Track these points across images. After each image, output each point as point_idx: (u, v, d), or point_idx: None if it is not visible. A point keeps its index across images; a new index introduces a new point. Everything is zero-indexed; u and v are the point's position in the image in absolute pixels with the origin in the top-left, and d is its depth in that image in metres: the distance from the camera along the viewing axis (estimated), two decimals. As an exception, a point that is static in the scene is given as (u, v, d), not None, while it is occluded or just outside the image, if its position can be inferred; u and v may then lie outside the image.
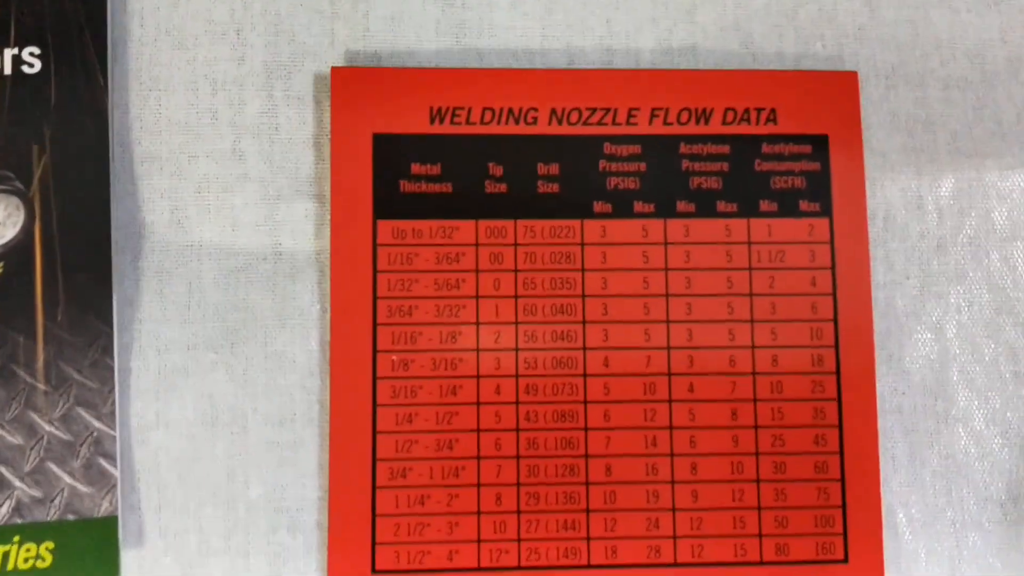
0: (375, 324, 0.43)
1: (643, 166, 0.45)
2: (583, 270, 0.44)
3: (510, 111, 0.45)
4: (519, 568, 0.43)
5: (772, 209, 0.45)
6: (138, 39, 0.45)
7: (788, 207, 0.45)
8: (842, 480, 0.44)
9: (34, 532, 0.41)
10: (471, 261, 0.44)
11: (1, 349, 0.41)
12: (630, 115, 0.45)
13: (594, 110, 0.45)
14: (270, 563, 0.43)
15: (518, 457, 0.43)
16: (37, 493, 0.41)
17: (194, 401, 0.43)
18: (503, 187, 0.44)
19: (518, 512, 0.43)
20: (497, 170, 0.44)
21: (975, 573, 0.45)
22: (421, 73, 0.45)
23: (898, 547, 0.44)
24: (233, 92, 0.45)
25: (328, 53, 0.45)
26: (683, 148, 0.45)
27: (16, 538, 0.41)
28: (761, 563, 0.43)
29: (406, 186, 0.44)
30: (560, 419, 0.43)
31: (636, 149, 0.45)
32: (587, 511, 0.43)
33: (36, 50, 0.43)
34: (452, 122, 0.44)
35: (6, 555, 0.41)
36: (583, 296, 0.44)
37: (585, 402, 0.43)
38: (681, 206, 0.45)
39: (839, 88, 0.46)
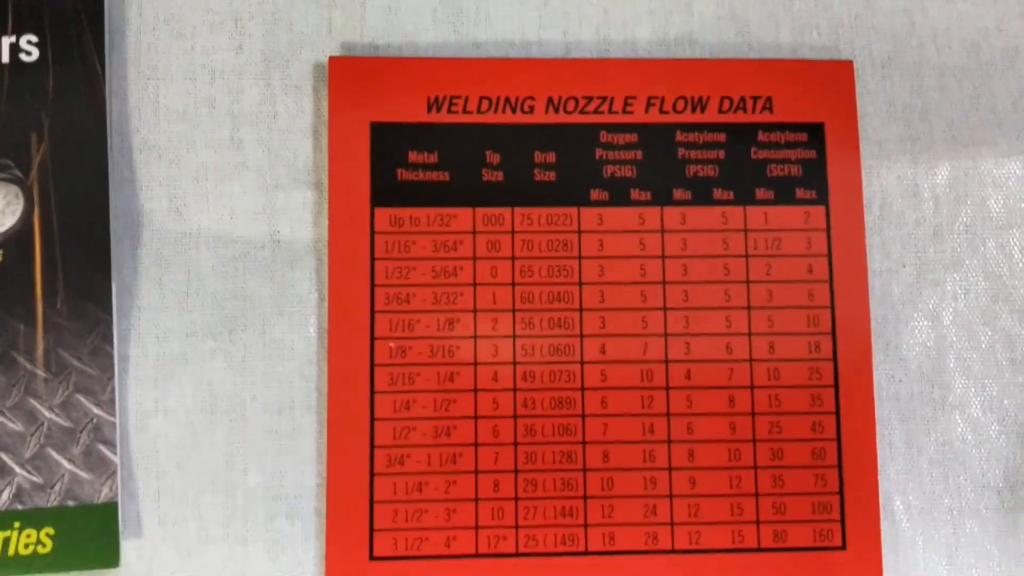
0: (373, 312, 0.43)
1: (639, 154, 0.45)
2: (580, 258, 0.44)
3: (507, 100, 0.45)
4: (517, 555, 0.43)
5: (768, 197, 0.45)
6: (136, 28, 0.45)
7: (784, 195, 0.45)
8: (839, 467, 0.44)
9: (35, 518, 0.41)
10: (468, 249, 0.44)
11: (1, 337, 0.42)
12: (627, 104, 0.45)
13: (591, 99, 0.45)
14: (269, 550, 0.43)
15: (516, 444, 0.43)
16: (37, 479, 0.41)
17: (193, 389, 0.43)
18: (500, 175, 0.44)
19: (516, 499, 0.43)
20: (494, 158, 0.44)
21: (972, 560, 0.45)
22: (418, 63, 0.45)
23: (895, 534, 0.45)
24: (231, 81, 0.45)
25: (326, 42, 0.45)
26: (679, 136, 0.45)
27: (17, 524, 0.41)
28: (759, 550, 0.43)
29: (403, 174, 0.44)
30: (557, 406, 0.43)
31: (633, 138, 0.45)
32: (585, 498, 0.43)
33: (34, 38, 0.43)
34: (449, 111, 0.45)
35: (7, 541, 0.41)
36: (580, 284, 0.44)
37: (582, 389, 0.44)
38: (678, 194, 0.45)
39: (835, 77, 0.46)
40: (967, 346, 0.46)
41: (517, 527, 0.43)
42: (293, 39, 0.45)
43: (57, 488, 0.41)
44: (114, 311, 0.42)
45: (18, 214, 0.42)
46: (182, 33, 0.45)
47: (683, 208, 0.45)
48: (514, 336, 0.44)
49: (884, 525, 0.44)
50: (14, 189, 0.42)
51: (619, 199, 0.44)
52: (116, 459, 0.42)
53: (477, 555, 0.43)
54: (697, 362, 0.44)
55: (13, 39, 0.43)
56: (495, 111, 0.45)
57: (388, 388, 0.43)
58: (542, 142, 0.45)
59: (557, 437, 0.43)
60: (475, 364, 0.43)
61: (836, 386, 0.44)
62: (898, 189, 0.46)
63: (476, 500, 0.43)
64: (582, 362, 0.44)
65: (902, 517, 0.45)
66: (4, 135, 0.42)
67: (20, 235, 0.42)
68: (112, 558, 0.41)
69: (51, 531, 0.41)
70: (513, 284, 0.44)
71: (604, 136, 0.45)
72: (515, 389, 0.43)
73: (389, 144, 0.44)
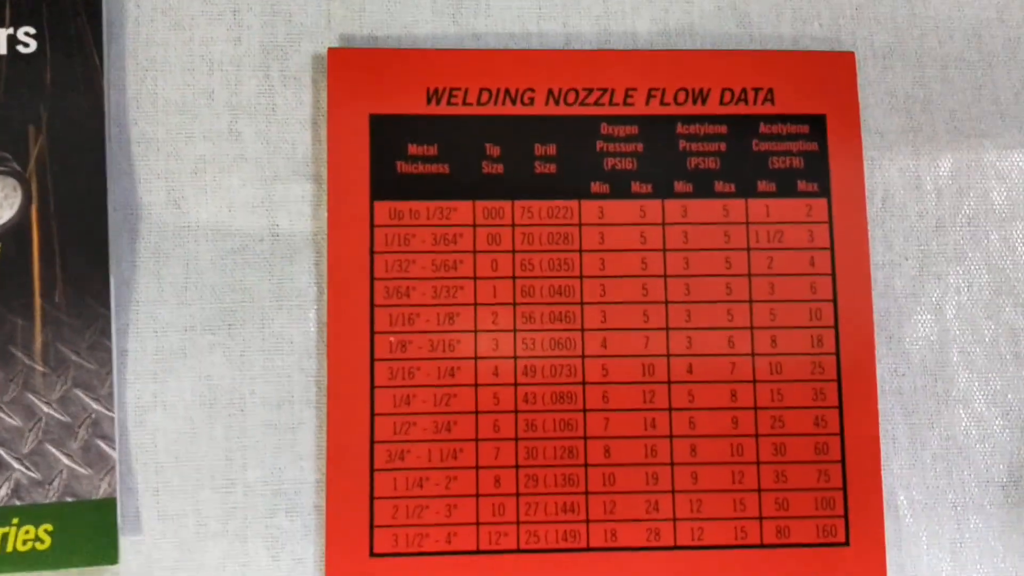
0: (372, 305, 0.43)
1: (640, 147, 0.45)
2: (581, 251, 0.44)
3: (507, 92, 0.45)
4: (518, 551, 0.42)
5: (770, 189, 0.45)
6: (134, 19, 0.45)
7: (786, 187, 0.45)
8: (843, 462, 0.43)
9: (33, 514, 0.41)
10: (468, 242, 0.44)
11: (-2, 331, 0.42)
12: (627, 95, 0.45)
13: (591, 90, 0.45)
14: (268, 546, 0.43)
15: (516, 439, 0.43)
16: (36, 475, 0.41)
17: (192, 383, 0.43)
18: (500, 168, 0.44)
19: (517, 495, 0.43)
20: (494, 151, 0.44)
21: (976, 555, 0.44)
22: (418, 54, 0.45)
23: (899, 529, 0.44)
24: (230, 72, 0.45)
25: (324, 34, 0.45)
26: (680, 128, 0.45)
27: (15, 520, 0.41)
28: (762, 546, 0.43)
29: (403, 167, 0.44)
30: (559, 400, 0.43)
31: (633, 130, 0.45)
32: (586, 493, 0.43)
33: (31, 30, 0.43)
34: (449, 103, 0.44)
35: (5, 537, 0.40)
36: (581, 277, 0.44)
37: (583, 383, 0.43)
38: (679, 186, 0.45)
39: (836, 68, 0.46)
40: (970, 340, 0.46)
41: (518, 523, 0.42)
42: (292, 30, 0.45)
43: (55, 484, 0.41)
44: (112, 305, 0.42)
45: (16, 207, 0.42)
46: (180, 24, 0.45)
47: (684, 201, 0.44)
48: (515, 330, 0.43)
49: (888, 521, 0.44)
50: (12, 182, 0.42)
51: (620, 191, 0.44)
52: (115, 454, 0.42)
53: (478, 551, 0.42)
54: (699, 356, 0.44)
55: (11, 31, 0.43)
56: (495, 103, 0.44)
57: (388, 383, 0.43)
58: (542, 134, 0.44)
59: (558, 432, 0.43)
60: (475, 358, 0.43)
61: (839, 380, 0.44)
62: (900, 181, 0.46)
63: (477, 496, 0.43)
64: (583, 356, 0.43)
65: (906, 513, 0.44)
66: (1, 127, 0.42)
67: (18, 228, 0.42)
68: (111, 554, 0.41)
69: (49, 527, 0.41)
70: (513, 277, 0.44)
71: (605, 128, 0.45)
72: (516, 384, 0.43)
73: (388, 136, 0.44)
